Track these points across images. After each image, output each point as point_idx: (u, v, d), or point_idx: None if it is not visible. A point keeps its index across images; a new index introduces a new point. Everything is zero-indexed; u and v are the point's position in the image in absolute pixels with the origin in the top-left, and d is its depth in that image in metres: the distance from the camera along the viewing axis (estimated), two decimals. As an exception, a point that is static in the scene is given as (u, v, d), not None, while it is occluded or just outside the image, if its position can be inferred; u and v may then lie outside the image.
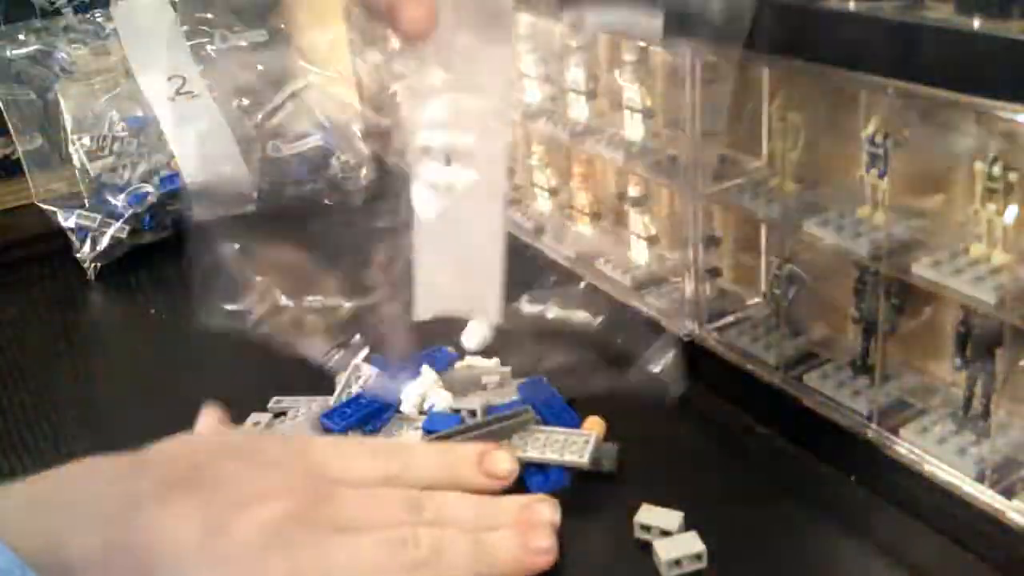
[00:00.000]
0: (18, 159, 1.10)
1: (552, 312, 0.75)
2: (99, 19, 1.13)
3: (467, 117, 0.58)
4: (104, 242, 1.02)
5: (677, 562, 0.54)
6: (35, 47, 1.08)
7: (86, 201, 1.06)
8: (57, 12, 1.24)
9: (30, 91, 1.08)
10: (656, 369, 0.63)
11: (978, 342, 0.54)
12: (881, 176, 0.55)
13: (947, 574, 0.54)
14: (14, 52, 1.08)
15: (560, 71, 0.83)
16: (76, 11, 1.22)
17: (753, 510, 0.60)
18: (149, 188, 1.04)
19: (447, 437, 0.63)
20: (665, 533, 0.57)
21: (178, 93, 1.12)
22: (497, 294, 0.61)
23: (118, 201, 1.03)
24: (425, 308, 0.62)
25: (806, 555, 0.56)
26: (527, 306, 0.74)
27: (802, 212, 0.62)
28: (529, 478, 0.63)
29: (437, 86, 0.57)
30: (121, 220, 1.02)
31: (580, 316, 0.78)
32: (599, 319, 0.75)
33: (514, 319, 0.72)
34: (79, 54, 1.09)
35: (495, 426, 0.64)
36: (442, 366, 0.72)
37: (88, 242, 1.02)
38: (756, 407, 0.68)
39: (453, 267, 0.62)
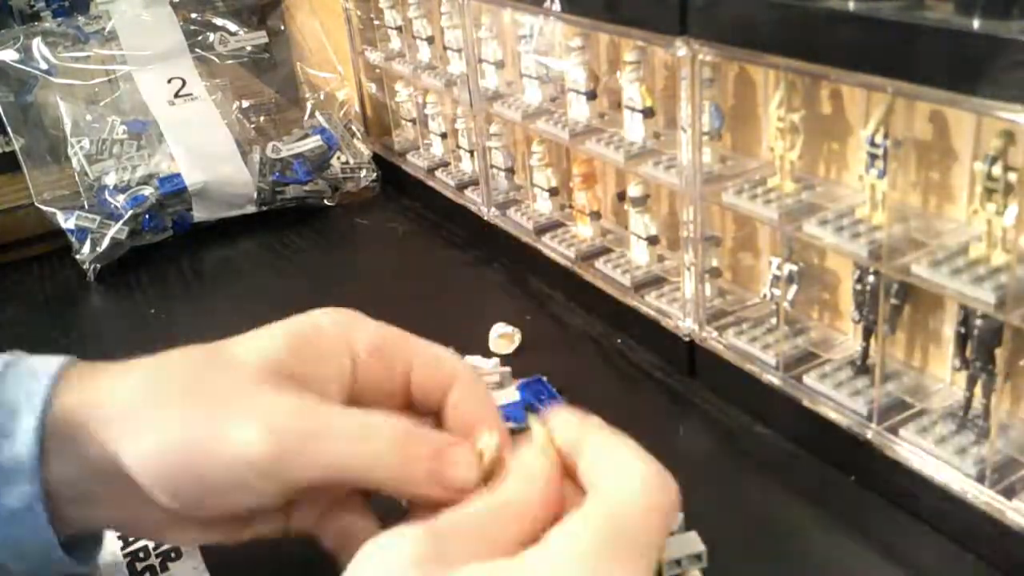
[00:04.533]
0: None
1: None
2: (79, 22, 1.13)
3: None
4: (104, 243, 1.02)
5: (677, 562, 0.54)
6: (14, 50, 1.08)
7: (85, 203, 1.06)
8: (36, 16, 1.25)
9: (10, 94, 1.08)
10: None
11: (978, 342, 0.54)
12: (881, 176, 0.55)
13: (947, 574, 0.54)
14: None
15: (560, 71, 0.83)
16: (55, 15, 1.22)
17: (753, 510, 0.60)
18: (149, 190, 1.04)
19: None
20: (665, 533, 0.56)
21: (177, 95, 1.12)
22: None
23: (117, 203, 1.03)
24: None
25: (806, 555, 0.56)
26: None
27: (802, 212, 0.62)
28: (529, 478, 0.63)
29: None
30: (120, 222, 1.02)
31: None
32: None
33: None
34: (60, 57, 1.10)
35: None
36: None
37: (88, 243, 1.02)
38: (756, 407, 0.68)
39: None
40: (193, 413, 0.42)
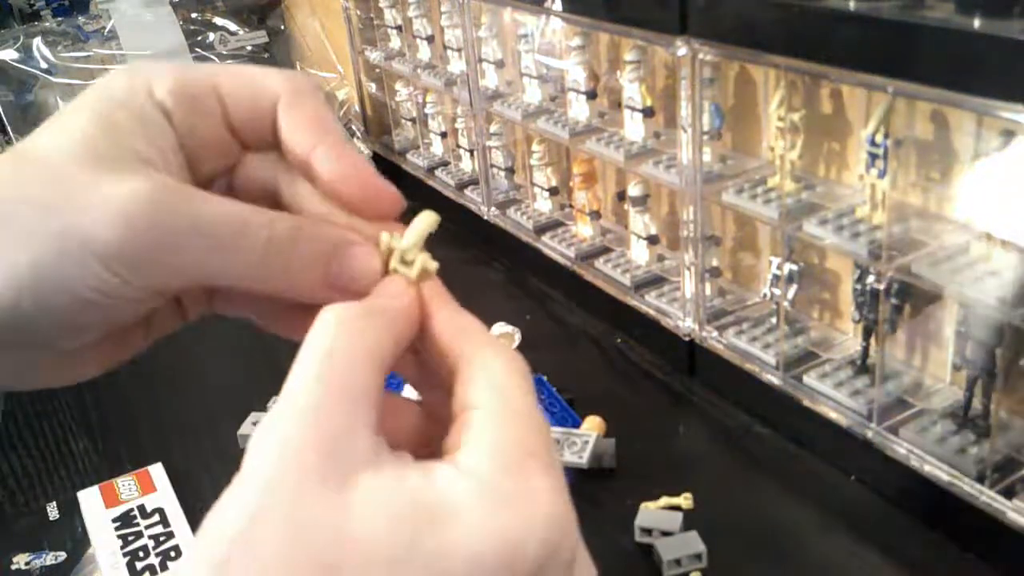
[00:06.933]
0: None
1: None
2: (79, 22, 1.13)
3: None
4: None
5: (677, 562, 0.54)
6: (14, 50, 1.09)
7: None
8: (37, 16, 1.25)
9: (10, 93, 1.08)
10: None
11: (978, 342, 0.54)
12: (881, 176, 0.55)
13: (947, 574, 0.54)
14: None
15: (560, 70, 0.83)
16: (55, 14, 1.23)
17: (753, 510, 0.60)
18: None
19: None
20: (666, 534, 0.57)
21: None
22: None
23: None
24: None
25: (806, 555, 0.56)
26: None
27: (802, 212, 0.62)
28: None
29: None
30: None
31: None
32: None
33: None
34: (60, 56, 1.10)
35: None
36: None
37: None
38: (756, 407, 0.68)
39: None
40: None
